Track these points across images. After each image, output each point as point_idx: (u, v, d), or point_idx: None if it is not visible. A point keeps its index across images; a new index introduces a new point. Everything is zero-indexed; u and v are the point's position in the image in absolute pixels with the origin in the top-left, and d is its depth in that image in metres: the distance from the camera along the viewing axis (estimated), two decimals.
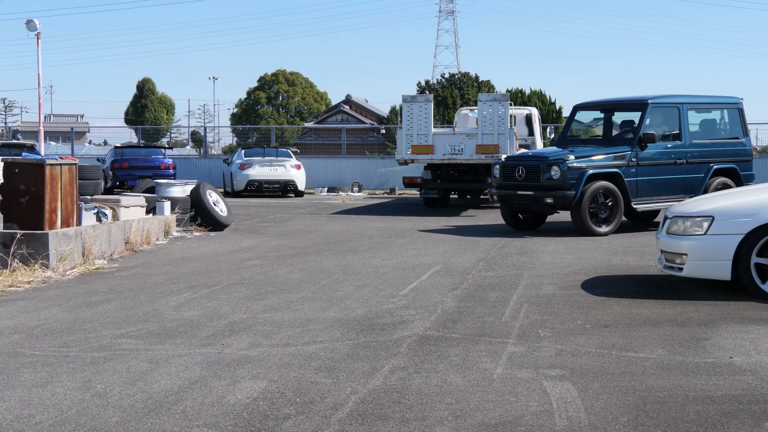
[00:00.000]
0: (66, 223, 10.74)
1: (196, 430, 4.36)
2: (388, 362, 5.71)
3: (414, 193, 27.29)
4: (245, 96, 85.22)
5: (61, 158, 12.25)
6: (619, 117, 15.73)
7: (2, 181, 10.68)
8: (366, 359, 5.80)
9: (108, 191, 23.37)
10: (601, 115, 15.85)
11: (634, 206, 14.09)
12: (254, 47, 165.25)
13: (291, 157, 27.68)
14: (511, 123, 20.15)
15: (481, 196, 21.49)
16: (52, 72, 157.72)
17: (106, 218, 12.00)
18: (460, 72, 61.40)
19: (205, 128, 49.19)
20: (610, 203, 13.79)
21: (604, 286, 8.77)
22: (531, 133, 22.77)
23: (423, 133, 20.29)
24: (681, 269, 8.21)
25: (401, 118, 20.84)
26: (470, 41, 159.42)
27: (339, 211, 20.65)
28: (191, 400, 4.87)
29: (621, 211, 13.89)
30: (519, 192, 14.23)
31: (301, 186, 27.06)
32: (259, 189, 26.84)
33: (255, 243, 13.19)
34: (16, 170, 10.54)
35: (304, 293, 8.48)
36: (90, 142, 73.67)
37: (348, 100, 73.64)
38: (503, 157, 15.08)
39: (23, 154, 23.75)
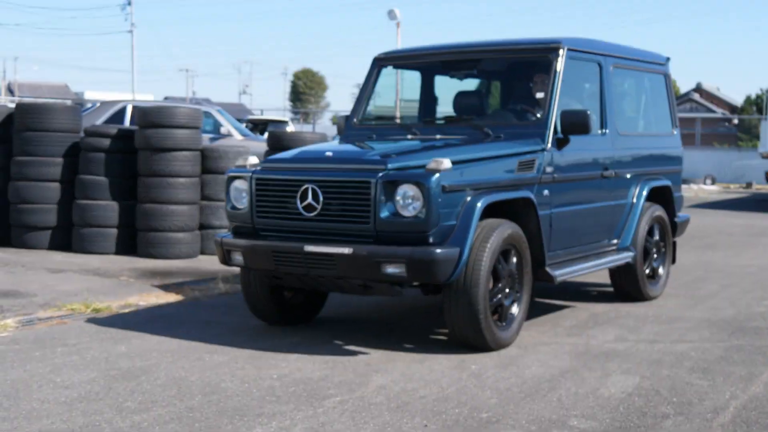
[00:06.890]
0: None
1: (575, 420, 4.41)
2: (767, 369, 5.43)
3: None
4: None
5: None
6: (471, 83, 7.85)
7: None
8: (741, 363, 5.55)
9: None
10: (439, 80, 7.74)
11: (550, 272, 6.29)
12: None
13: None
14: None
15: None
16: None
17: None
18: None
19: None
20: (514, 269, 6.01)
21: None
22: None
23: None
24: None
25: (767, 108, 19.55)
26: None
27: (693, 204, 19.89)
28: (565, 389, 4.93)
29: (530, 284, 6.15)
30: (309, 248, 5.60)
31: None
32: None
33: None
34: None
35: (666, 289, 8.25)
36: None
37: (698, 88, 70.42)
38: (249, 159, 6.19)
39: None
